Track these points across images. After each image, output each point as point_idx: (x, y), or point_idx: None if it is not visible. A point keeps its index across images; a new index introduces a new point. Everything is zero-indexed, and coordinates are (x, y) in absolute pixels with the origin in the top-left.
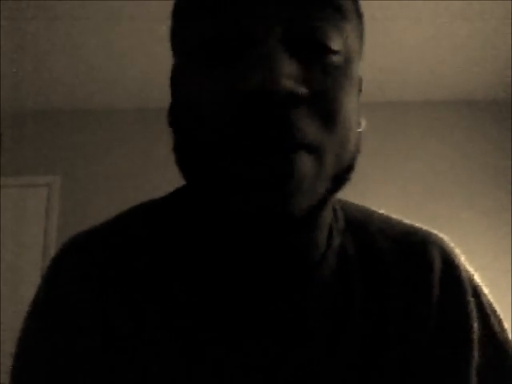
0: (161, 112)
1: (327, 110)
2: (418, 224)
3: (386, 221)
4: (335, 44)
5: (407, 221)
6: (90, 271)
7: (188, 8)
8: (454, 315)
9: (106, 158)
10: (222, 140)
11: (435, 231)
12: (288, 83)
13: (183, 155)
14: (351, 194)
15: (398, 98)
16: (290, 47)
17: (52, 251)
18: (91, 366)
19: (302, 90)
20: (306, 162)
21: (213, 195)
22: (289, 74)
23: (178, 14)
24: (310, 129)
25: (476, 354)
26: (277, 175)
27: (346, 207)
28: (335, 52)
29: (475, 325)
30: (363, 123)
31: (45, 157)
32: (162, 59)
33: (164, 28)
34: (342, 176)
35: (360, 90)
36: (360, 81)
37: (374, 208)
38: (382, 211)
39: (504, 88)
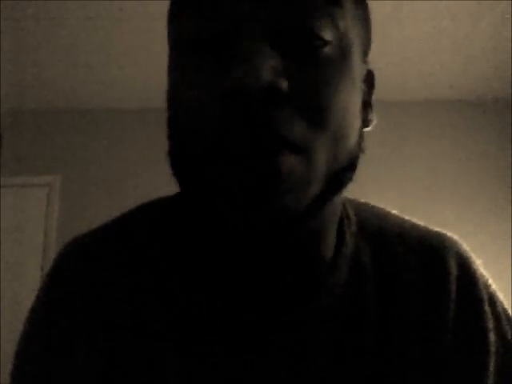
0: (161, 112)
1: (315, 106)
2: (432, 227)
3: (402, 224)
4: (326, 34)
5: (421, 223)
6: (92, 272)
7: (178, 7)
8: (471, 326)
9: (106, 158)
10: (205, 141)
11: (450, 234)
12: (268, 77)
13: (175, 159)
14: (351, 193)
15: (398, 98)
16: (277, 40)
17: (52, 251)
18: (92, 368)
19: (284, 84)
20: (290, 162)
21: (202, 201)
22: (270, 68)
23: (170, 13)
24: (294, 126)
25: (492, 364)
26: (260, 176)
27: (360, 209)
28: (326, 42)
29: (492, 335)
30: (373, 121)
31: (45, 157)
32: (162, 59)
33: (164, 27)
34: (341, 175)
35: (372, 84)
36: (370, 75)
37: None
38: (395, 212)
39: (504, 87)
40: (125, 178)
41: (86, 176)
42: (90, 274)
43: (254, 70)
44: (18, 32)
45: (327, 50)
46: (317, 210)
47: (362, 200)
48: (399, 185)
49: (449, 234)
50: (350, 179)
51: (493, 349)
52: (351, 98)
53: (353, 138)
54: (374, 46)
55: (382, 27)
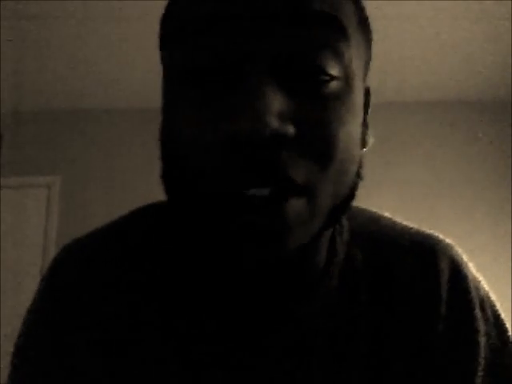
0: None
1: (322, 147)
2: (424, 229)
3: (394, 227)
4: (332, 69)
5: (413, 225)
6: (88, 275)
7: (176, 30)
8: (461, 329)
9: (106, 158)
10: (207, 183)
11: (443, 237)
12: (274, 123)
13: (170, 186)
14: None
15: (397, 98)
16: (281, 77)
17: (52, 251)
18: (89, 369)
19: (290, 130)
20: (297, 207)
21: (201, 235)
22: (276, 112)
23: (165, 36)
24: (300, 167)
25: (481, 367)
26: (267, 221)
27: (352, 214)
28: (333, 78)
29: (482, 339)
30: (370, 141)
31: (45, 157)
32: None
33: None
34: (342, 207)
35: (369, 102)
36: (367, 92)
37: (376, 210)
38: (386, 214)
39: (504, 88)
40: (125, 179)
41: (85, 177)
42: (85, 276)
43: (260, 117)
44: (18, 32)
45: (333, 84)
46: (317, 238)
47: (362, 200)
48: (398, 185)
49: (441, 236)
50: (350, 208)
51: (482, 352)
52: (354, 129)
53: (354, 169)
54: (373, 46)
55: (382, 27)
